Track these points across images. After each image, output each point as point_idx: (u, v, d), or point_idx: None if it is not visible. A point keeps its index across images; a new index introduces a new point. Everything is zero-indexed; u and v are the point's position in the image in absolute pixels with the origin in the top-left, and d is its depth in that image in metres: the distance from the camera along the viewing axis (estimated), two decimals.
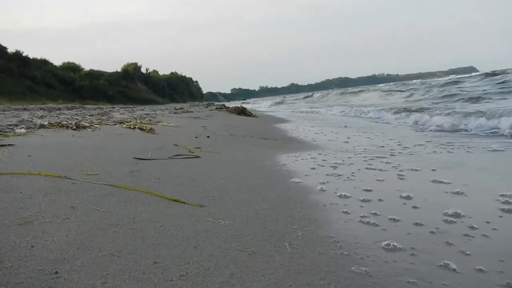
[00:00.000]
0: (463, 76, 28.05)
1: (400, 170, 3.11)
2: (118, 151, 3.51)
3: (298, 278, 1.27)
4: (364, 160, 3.63)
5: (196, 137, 5.43)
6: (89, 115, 9.10)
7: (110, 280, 1.20)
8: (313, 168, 3.29)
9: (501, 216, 1.94)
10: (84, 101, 39.53)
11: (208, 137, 5.59)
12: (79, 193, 2.03)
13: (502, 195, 2.25)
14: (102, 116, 8.98)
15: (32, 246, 1.37)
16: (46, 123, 4.86)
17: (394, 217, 1.92)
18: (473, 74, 30.76)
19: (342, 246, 1.57)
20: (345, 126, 8.60)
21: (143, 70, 77.10)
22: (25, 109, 14.52)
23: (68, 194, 1.99)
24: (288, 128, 8.62)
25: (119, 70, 69.57)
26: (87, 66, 61.84)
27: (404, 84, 31.82)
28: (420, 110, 10.50)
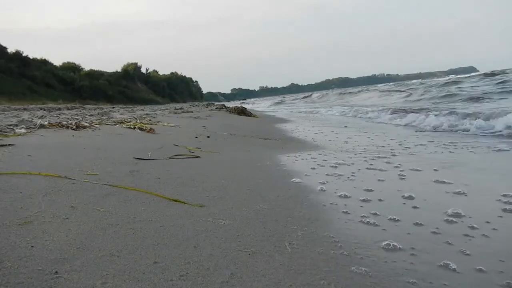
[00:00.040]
0: (462, 76, 28.11)
1: (401, 170, 3.11)
2: (118, 151, 3.51)
3: (298, 278, 1.27)
4: (365, 160, 3.63)
5: (196, 137, 5.43)
6: (89, 115, 9.10)
7: (110, 280, 1.20)
8: (313, 168, 3.29)
9: (501, 216, 1.94)
10: (84, 101, 39.54)
11: (208, 137, 5.59)
12: (79, 193, 2.03)
13: (504, 195, 2.25)
14: (102, 116, 8.98)
15: (32, 246, 1.37)
16: (46, 123, 4.86)
17: (394, 217, 1.92)
18: (472, 74, 30.81)
19: (342, 246, 1.57)
20: (345, 126, 8.60)
21: (143, 70, 77.17)
22: (25, 109, 14.52)
23: (68, 194, 1.99)
24: (288, 128, 8.62)
25: (119, 70, 69.62)
26: (87, 66, 61.86)
27: (402, 84, 31.87)
28: (419, 110, 10.54)
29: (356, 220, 1.90)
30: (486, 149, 4.25)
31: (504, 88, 14.70)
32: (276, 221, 1.84)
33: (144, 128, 5.59)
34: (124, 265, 1.30)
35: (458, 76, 30.97)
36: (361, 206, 2.13)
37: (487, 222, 1.84)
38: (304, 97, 40.61)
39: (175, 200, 2.08)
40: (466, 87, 18.13)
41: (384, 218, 1.92)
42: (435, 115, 7.96)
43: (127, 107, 22.58)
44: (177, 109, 15.32)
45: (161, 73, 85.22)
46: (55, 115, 8.54)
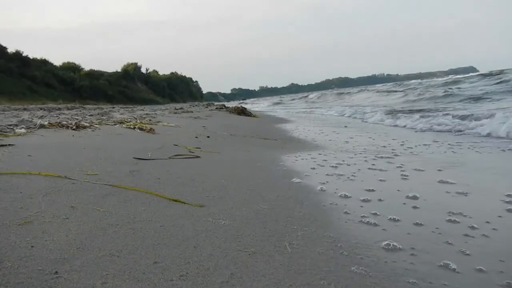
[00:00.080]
0: (461, 76, 28.15)
1: (402, 170, 3.11)
2: (118, 151, 3.51)
3: (298, 278, 1.27)
4: (365, 160, 3.63)
5: (196, 137, 5.43)
6: (89, 115, 9.10)
7: (110, 280, 1.20)
8: (313, 168, 3.29)
9: (501, 216, 1.94)
10: (84, 101, 39.52)
11: (208, 137, 5.59)
12: (79, 193, 2.03)
13: (508, 195, 2.25)
14: (102, 116, 8.98)
15: (32, 246, 1.37)
16: (46, 123, 4.86)
17: (394, 217, 1.92)
18: (471, 74, 30.85)
19: (342, 246, 1.57)
20: (345, 126, 8.60)
21: (143, 70, 77.12)
22: (25, 109, 14.52)
23: (68, 194, 1.99)
24: (288, 128, 8.62)
25: (119, 70, 69.58)
26: (87, 66, 61.82)
27: (401, 84, 31.92)
28: (418, 111, 10.59)
29: (356, 220, 1.90)
30: (489, 149, 4.25)
31: (504, 88, 14.73)
32: (276, 221, 1.84)
33: (144, 128, 5.59)
34: (124, 265, 1.30)
35: (457, 76, 31.00)
36: (361, 206, 2.13)
37: (487, 222, 1.84)
38: (302, 98, 40.86)
39: (175, 200, 2.08)
40: (465, 87, 18.18)
41: (384, 218, 1.93)
42: (435, 116, 8.00)
43: (127, 107, 22.58)
44: (177, 109, 15.32)
45: (161, 73, 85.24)
46: (55, 115, 8.54)
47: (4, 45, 43.32)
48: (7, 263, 1.24)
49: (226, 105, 19.76)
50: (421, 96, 17.68)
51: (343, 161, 3.62)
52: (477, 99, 12.84)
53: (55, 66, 53.16)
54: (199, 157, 3.61)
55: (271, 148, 4.91)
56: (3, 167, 2.34)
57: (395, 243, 1.58)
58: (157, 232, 1.61)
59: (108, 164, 2.84)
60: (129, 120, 7.24)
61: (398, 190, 2.49)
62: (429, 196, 2.33)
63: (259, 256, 1.44)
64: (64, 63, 56.76)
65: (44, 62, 50.49)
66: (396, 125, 8.17)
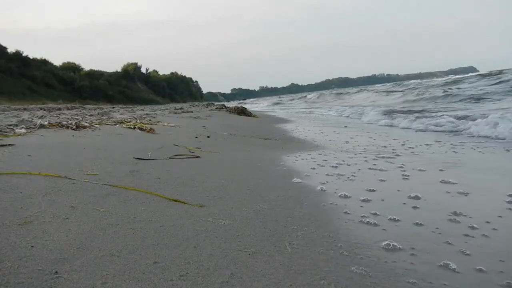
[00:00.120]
0: (460, 76, 28.18)
1: (403, 170, 3.11)
2: (118, 151, 3.51)
3: (298, 278, 1.27)
4: (365, 160, 3.63)
5: (196, 137, 5.43)
6: (89, 115, 9.10)
7: (110, 280, 1.20)
8: (313, 168, 3.29)
9: (500, 216, 1.94)
10: (84, 101, 39.51)
11: (208, 137, 5.59)
12: (79, 193, 2.03)
13: (510, 195, 2.25)
14: (102, 116, 8.98)
15: (32, 246, 1.37)
16: (46, 123, 4.86)
17: (394, 217, 1.92)
18: (470, 74, 30.88)
19: (342, 246, 1.57)
20: (345, 126, 8.60)
21: (143, 70, 77.10)
22: (25, 109, 14.52)
23: (68, 194, 1.99)
24: (288, 128, 8.62)
25: (119, 70, 69.56)
26: (87, 66, 61.78)
27: (400, 84, 31.95)
28: (416, 111, 10.63)
29: (356, 220, 1.90)
30: (492, 149, 4.25)
31: (504, 88, 14.74)
32: (276, 221, 1.84)
33: (144, 128, 5.59)
34: (124, 265, 1.30)
35: (457, 76, 31.03)
36: (361, 206, 2.13)
37: (487, 222, 1.84)
38: (301, 98, 41.06)
39: (175, 200, 2.08)
40: (464, 87, 18.21)
41: (384, 218, 1.93)
42: (434, 117, 8.02)
43: (127, 107, 22.58)
44: (177, 109, 15.32)
45: (161, 73, 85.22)
46: (55, 115, 8.54)
47: (4, 45, 43.35)
48: (7, 263, 1.24)
49: (226, 105, 19.76)
50: (420, 96, 17.73)
51: (343, 161, 3.63)
52: (477, 99, 12.87)
53: (55, 66, 53.16)
54: (199, 157, 3.61)
55: (271, 148, 4.91)
56: (3, 167, 2.34)
57: (395, 243, 1.58)
58: (157, 232, 1.61)
59: (108, 164, 2.84)
60: (129, 120, 7.24)
61: (398, 190, 2.49)
62: (429, 196, 2.33)
63: (259, 256, 1.44)
64: (64, 63, 56.77)
65: (44, 62, 50.49)
66: (396, 126, 8.17)
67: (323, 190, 2.50)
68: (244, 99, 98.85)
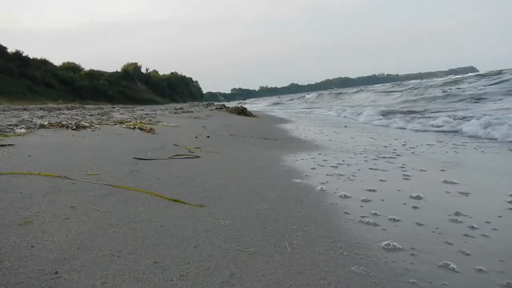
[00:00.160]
0: (460, 76, 28.20)
1: (403, 170, 3.11)
2: (118, 151, 3.51)
3: (298, 278, 1.27)
4: (365, 161, 3.63)
5: (196, 137, 5.43)
6: (89, 115, 9.10)
7: (110, 280, 1.20)
8: (313, 168, 3.29)
9: (500, 216, 1.94)
10: (84, 101, 39.50)
11: (208, 137, 5.59)
12: (79, 193, 2.03)
13: (510, 195, 2.26)
14: (102, 116, 8.98)
15: (32, 246, 1.37)
16: (46, 123, 4.86)
17: (394, 217, 1.92)
18: (470, 74, 30.89)
19: (342, 246, 1.57)
20: (345, 126, 8.60)
21: (143, 70, 77.07)
22: (25, 109, 14.52)
23: (68, 194, 1.99)
24: (288, 128, 8.62)
25: (119, 70, 69.54)
26: (87, 66, 61.75)
27: (400, 84, 31.99)
28: (415, 111, 10.66)
29: (356, 220, 1.90)
30: (495, 149, 4.25)
31: (503, 88, 14.76)
32: (276, 221, 1.84)
33: (144, 128, 5.59)
34: (124, 265, 1.30)
35: (456, 76, 31.06)
36: (361, 206, 2.13)
37: (487, 222, 1.84)
38: (300, 98, 41.22)
39: (175, 200, 2.08)
40: (464, 87, 18.24)
41: (384, 218, 1.93)
42: (432, 117, 8.06)
43: (127, 107, 22.57)
44: (177, 109, 15.32)
45: (161, 73, 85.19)
46: (55, 115, 8.54)
47: (4, 45, 43.33)
48: (7, 263, 1.24)
49: (226, 105, 19.76)
50: (419, 96, 17.77)
51: (343, 161, 3.63)
52: (477, 99, 12.89)
53: (55, 66, 53.14)
54: (199, 157, 3.61)
55: (271, 148, 4.91)
56: (3, 167, 2.34)
57: (395, 243, 1.58)
58: (157, 232, 1.61)
59: (108, 164, 2.84)
60: (129, 120, 7.24)
61: (398, 190, 2.49)
62: (430, 196, 2.33)
63: (259, 256, 1.44)
64: (64, 63, 56.75)
65: (44, 62, 50.47)
66: (392, 126, 8.17)
67: (323, 190, 2.50)
68: (244, 99, 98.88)
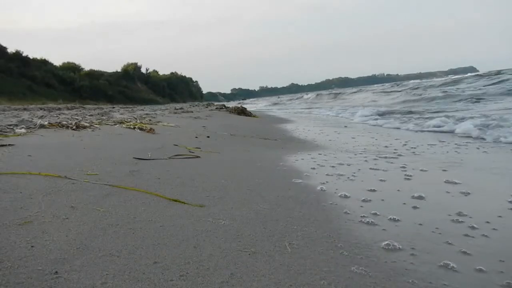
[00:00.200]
0: (459, 76, 28.24)
1: (403, 170, 3.11)
2: (118, 151, 3.51)
3: (298, 278, 1.27)
4: (365, 161, 3.63)
5: (196, 137, 5.43)
6: (89, 115, 9.11)
7: (110, 280, 1.20)
8: (313, 168, 3.29)
9: (500, 216, 1.93)
10: (84, 101, 39.49)
11: (208, 137, 5.59)
12: (79, 193, 2.03)
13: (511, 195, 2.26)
14: (102, 116, 8.98)
15: (32, 246, 1.37)
16: (46, 123, 4.86)
17: (394, 217, 1.92)
18: (469, 74, 30.91)
19: (342, 246, 1.57)
20: (345, 126, 8.60)
21: (143, 70, 77.06)
22: (25, 109, 14.52)
23: (68, 194, 1.99)
24: (288, 128, 8.62)
25: (119, 70, 69.53)
26: (87, 66, 61.73)
27: (400, 84, 32.02)
28: (414, 112, 10.70)
29: (356, 220, 1.90)
30: (497, 149, 4.25)
31: (502, 88, 14.77)
32: (276, 221, 1.84)
33: (144, 128, 5.59)
34: (124, 265, 1.30)
35: (456, 76, 31.09)
36: (361, 206, 2.13)
37: (487, 222, 1.84)
38: (299, 98, 41.35)
39: (175, 200, 2.08)
40: (463, 87, 18.28)
41: (384, 218, 1.92)
42: (430, 118, 8.08)
43: (127, 107, 22.57)
44: (177, 109, 15.32)
45: (161, 73, 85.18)
46: (55, 115, 8.54)
47: (4, 45, 43.33)
48: (7, 263, 1.24)
49: (226, 105, 19.76)
50: (418, 97, 17.81)
51: (343, 161, 3.63)
52: (477, 99, 12.91)
53: (55, 66, 53.13)
54: (199, 157, 3.61)
55: (271, 148, 4.91)
56: (3, 167, 2.34)
57: (395, 243, 1.58)
58: (157, 232, 1.61)
59: (108, 164, 2.84)
60: (129, 120, 7.24)
61: (398, 190, 2.49)
62: (430, 196, 2.33)
63: (259, 256, 1.44)
64: (64, 63, 56.74)
65: (44, 62, 50.46)
66: (391, 127, 8.17)
67: (323, 190, 2.50)
68: (244, 99, 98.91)
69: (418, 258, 1.47)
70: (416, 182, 2.74)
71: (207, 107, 19.42)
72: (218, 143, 5.07)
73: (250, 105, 36.41)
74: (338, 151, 4.40)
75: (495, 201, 2.24)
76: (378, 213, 1.99)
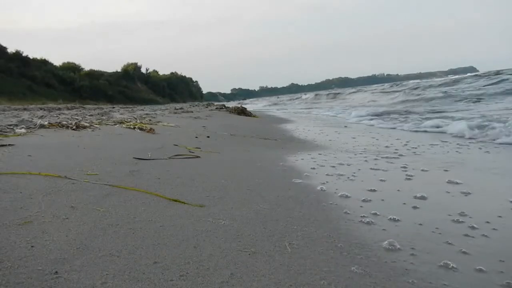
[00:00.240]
0: (458, 76, 28.27)
1: (404, 170, 3.11)
2: (118, 151, 3.51)
3: (298, 278, 1.27)
4: (365, 161, 3.63)
5: (196, 137, 5.43)
6: (89, 115, 9.11)
7: (110, 280, 1.20)
8: (313, 168, 3.29)
9: (500, 216, 1.93)
10: (84, 101, 39.49)
11: (208, 137, 5.59)
12: (79, 193, 2.03)
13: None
14: (102, 116, 8.98)
15: (32, 246, 1.37)
16: (46, 123, 4.86)
17: (394, 217, 1.92)
18: (468, 74, 30.93)
19: (342, 246, 1.57)
20: (345, 126, 8.60)
21: (143, 70, 77.04)
22: (25, 109, 14.52)
23: (68, 194, 1.99)
24: (288, 128, 8.62)
25: (119, 70, 69.52)
26: (87, 66, 61.71)
27: (399, 84, 32.05)
28: (414, 112, 10.70)
29: (356, 220, 1.90)
30: (500, 149, 4.26)
31: (501, 88, 14.79)
32: (276, 221, 1.84)
33: (144, 128, 5.59)
34: (124, 265, 1.30)
35: (456, 76, 31.11)
36: (361, 206, 2.13)
37: (487, 222, 1.84)
38: (299, 98, 41.43)
39: (175, 200, 2.08)
40: (462, 88, 18.32)
41: (384, 218, 1.93)
42: (427, 118, 8.11)
43: (127, 107, 22.57)
44: (177, 109, 15.32)
45: (161, 73, 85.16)
46: (55, 115, 8.54)
47: (4, 45, 43.32)
48: (7, 263, 1.24)
49: (226, 105, 19.76)
50: (417, 97, 17.84)
51: (343, 161, 3.62)
52: (477, 99, 12.93)
53: (55, 66, 53.13)
54: (199, 157, 3.61)
55: (271, 148, 4.91)
56: (3, 167, 2.34)
57: (395, 243, 1.58)
58: (157, 232, 1.61)
59: (108, 164, 2.84)
60: (129, 120, 7.24)
61: (398, 190, 2.49)
62: (429, 196, 2.33)
63: (259, 256, 1.44)
64: (64, 63, 56.73)
65: (44, 62, 50.46)
66: (389, 127, 8.17)
67: (323, 190, 2.50)
68: (244, 99, 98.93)
69: (418, 258, 1.47)
70: (415, 182, 2.74)
71: (207, 107, 19.41)
72: (218, 143, 5.07)
73: (250, 105, 36.44)
74: (338, 151, 4.40)
75: (495, 201, 2.24)
76: (378, 213, 1.99)
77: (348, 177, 2.89)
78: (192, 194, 2.23)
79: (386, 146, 4.70)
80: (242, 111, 13.50)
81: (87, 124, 5.32)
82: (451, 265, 1.40)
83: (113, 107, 21.22)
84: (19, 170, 2.31)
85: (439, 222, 1.86)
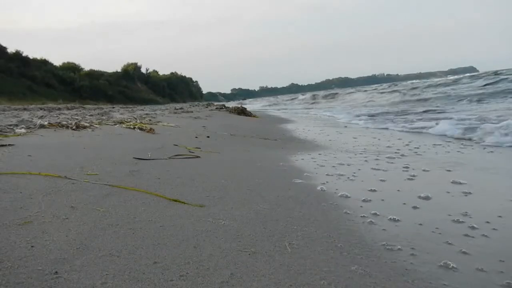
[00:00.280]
0: (458, 76, 28.30)
1: (404, 170, 3.11)
2: (118, 151, 3.51)
3: (298, 278, 1.27)
4: (365, 161, 3.63)
5: (196, 137, 5.43)
6: (89, 115, 9.11)
7: (110, 280, 1.20)
8: (314, 168, 3.29)
9: (500, 216, 1.93)
10: (84, 101, 39.47)
11: (208, 137, 5.59)
12: (79, 193, 2.03)
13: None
14: (102, 116, 8.98)
15: (32, 246, 1.37)
16: (46, 123, 4.86)
17: (394, 217, 1.92)
18: (467, 74, 30.99)
19: (342, 246, 1.57)
20: (345, 127, 8.60)
21: (143, 70, 77.00)
22: (25, 109, 14.51)
23: (68, 194, 1.99)
24: (288, 128, 8.62)
25: (119, 70, 69.48)
26: (87, 66, 61.69)
27: (398, 84, 32.09)
28: (411, 112, 10.72)
29: (357, 220, 1.90)
30: (500, 149, 4.25)
31: (501, 88, 14.80)
32: (276, 221, 1.84)
33: (144, 128, 5.59)
34: (124, 265, 1.30)
35: (455, 76, 31.16)
36: (361, 206, 2.13)
37: (487, 222, 1.84)
38: (296, 98, 41.53)
39: (175, 200, 2.08)
40: (461, 88, 18.35)
41: (384, 218, 1.93)
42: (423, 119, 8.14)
43: (127, 107, 22.57)
44: (177, 109, 15.32)
45: (161, 73, 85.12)
46: (55, 115, 8.54)
47: (4, 45, 43.30)
48: (7, 263, 1.24)
49: (226, 105, 19.76)
50: (416, 97, 17.87)
51: (344, 161, 3.63)
52: (477, 100, 12.94)
53: (55, 66, 53.10)
54: (199, 157, 3.61)
55: (271, 148, 4.91)
56: (3, 167, 2.34)
57: (395, 243, 1.58)
58: (157, 232, 1.61)
59: (108, 164, 2.84)
60: (129, 120, 7.24)
61: (398, 190, 2.49)
62: (430, 196, 2.33)
63: (259, 256, 1.44)
64: (64, 63, 56.70)
65: (44, 62, 50.44)
66: (388, 128, 8.17)
67: (323, 190, 2.50)
68: (244, 99, 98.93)
69: (418, 258, 1.47)
70: (416, 182, 2.74)
71: (207, 107, 19.41)
72: (218, 143, 5.07)
73: (250, 105, 36.46)
74: (338, 151, 4.40)
75: (495, 201, 2.24)
76: (378, 213, 1.99)
77: (348, 177, 2.89)
78: (192, 194, 2.23)
79: (388, 146, 4.70)
80: (242, 111, 13.50)
81: (87, 124, 5.32)
82: (451, 265, 1.40)
83: (113, 107, 21.22)
84: (19, 170, 2.31)
85: (439, 222, 1.86)
